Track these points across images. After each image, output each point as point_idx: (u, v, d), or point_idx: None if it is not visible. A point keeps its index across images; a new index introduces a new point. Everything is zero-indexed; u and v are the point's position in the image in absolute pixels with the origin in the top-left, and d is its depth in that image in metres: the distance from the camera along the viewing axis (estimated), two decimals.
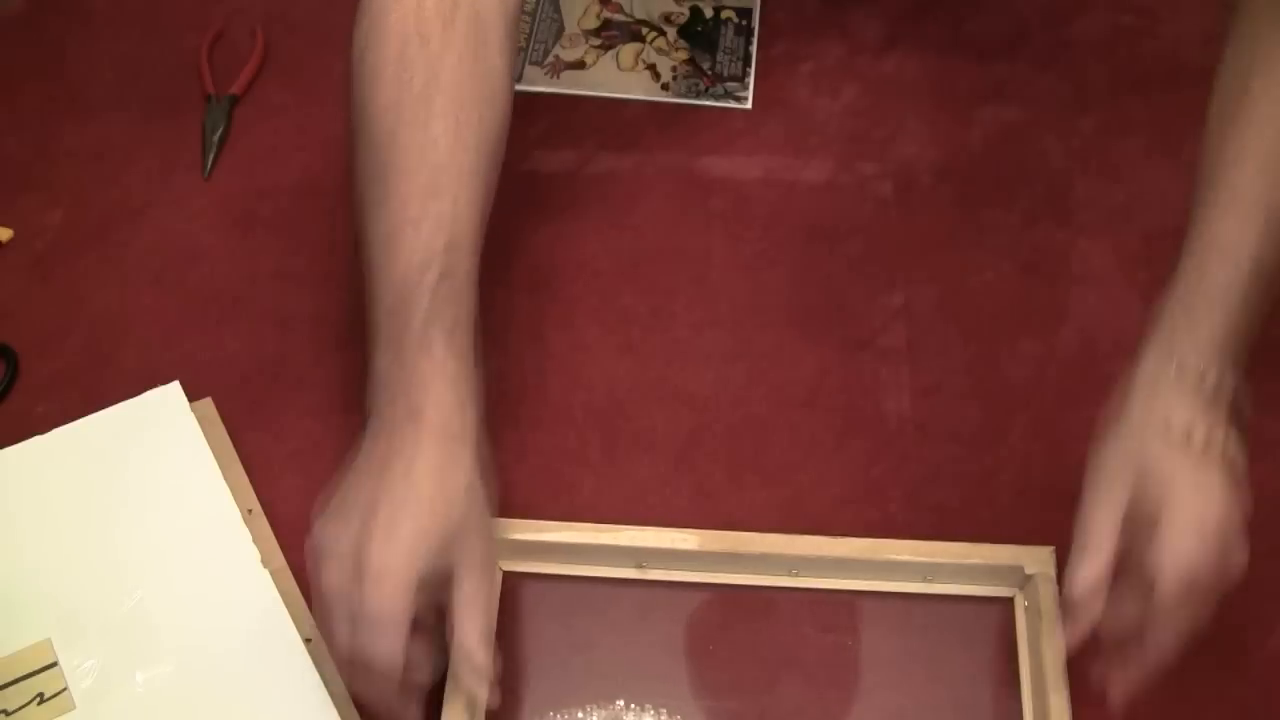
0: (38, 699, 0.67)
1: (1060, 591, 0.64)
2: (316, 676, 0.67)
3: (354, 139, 0.67)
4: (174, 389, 0.77)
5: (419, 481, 0.60)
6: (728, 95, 0.92)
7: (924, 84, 0.92)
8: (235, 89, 0.92)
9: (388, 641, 0.58)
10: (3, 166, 0.89)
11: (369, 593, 0.57)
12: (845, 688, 0.69)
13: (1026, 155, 0.89)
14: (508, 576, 0.72)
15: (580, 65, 0.94)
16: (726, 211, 0.86)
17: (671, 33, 0.96)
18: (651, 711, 0.68)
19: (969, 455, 0.76)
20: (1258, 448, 0.76)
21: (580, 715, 0.68)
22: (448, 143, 0.65)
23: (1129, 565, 0.61)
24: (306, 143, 0.90)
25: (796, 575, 0.71)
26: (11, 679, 0.68)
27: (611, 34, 0.96)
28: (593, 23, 0.97)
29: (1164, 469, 0.61)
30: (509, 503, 0.74)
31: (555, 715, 0.68)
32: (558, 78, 0.93)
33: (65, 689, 0.67)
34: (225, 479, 0.74)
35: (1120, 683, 0.62)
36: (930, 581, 0.71)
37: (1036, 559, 0.70)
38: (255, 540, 0.72)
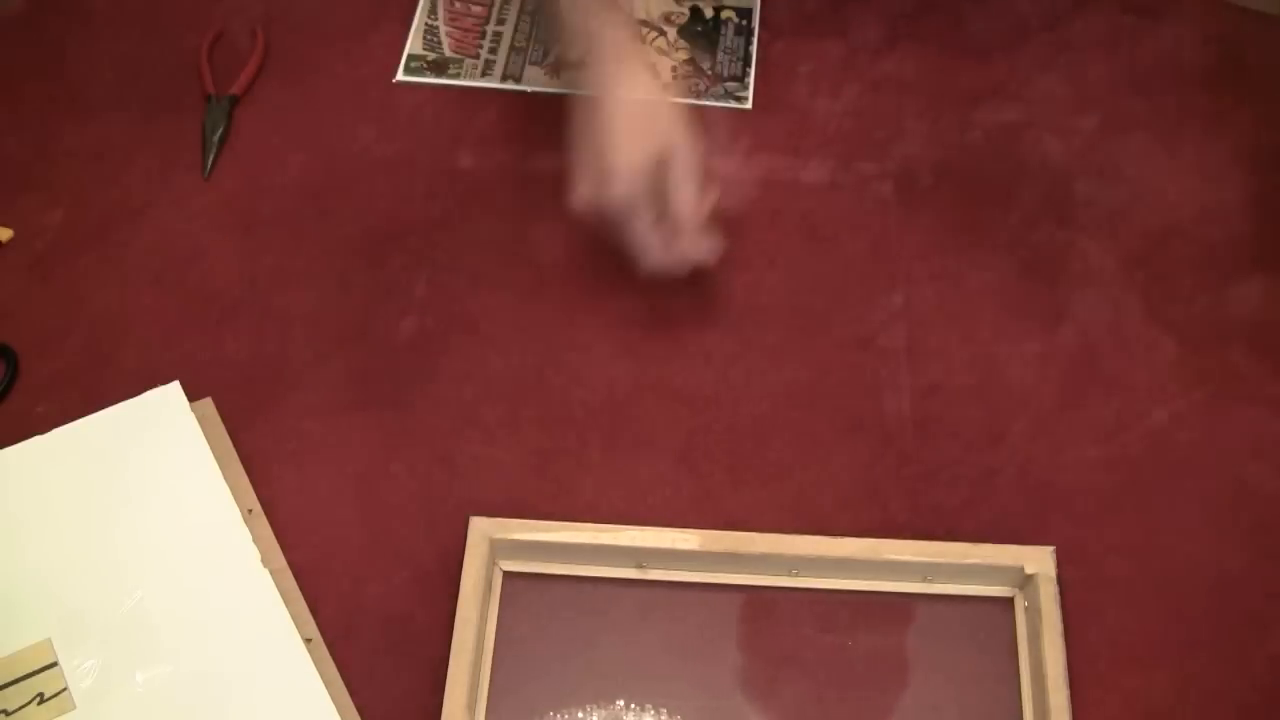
0: (38, 699, 0.67)
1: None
2: (316, 676, 0.68)
3: None
4: (174, 389, 0.77)
5: None
6: (728, 95, 0.92)
7: (924, 84, 0.92)
8: (235, 89, 0.92)
9: None
10: (3, 166, 0.89)
11: None
12: (845, 688, 0.69)
13: (1026, 155, 0.89)
14: (508, 576, 0.72)
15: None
16: (726, 211, 0.86)
17: (671, 33, 0.96)
18: (651, 711, 0.68)
19: (969, 455, 0.76)
20: (1258, 447, 0.76)
21: (580, 715, 0.68)
22: None
23: None
24: (306, 143, 0.90)
25: (796, 575, 0.71)
26: (11, 679, 0.68)
27: None
28: None
29: None
30: (509, 503, 0.74)
31: (555, 715, 0.68)
32: (558, 78, 0.93)
33: (65, 689, 0.68)
34: (225, 479, 0.74)
35: None
36: (930, 581, 0.71)
37: (1036, 559, 0.70)
38: (255, 540, 0.72)
